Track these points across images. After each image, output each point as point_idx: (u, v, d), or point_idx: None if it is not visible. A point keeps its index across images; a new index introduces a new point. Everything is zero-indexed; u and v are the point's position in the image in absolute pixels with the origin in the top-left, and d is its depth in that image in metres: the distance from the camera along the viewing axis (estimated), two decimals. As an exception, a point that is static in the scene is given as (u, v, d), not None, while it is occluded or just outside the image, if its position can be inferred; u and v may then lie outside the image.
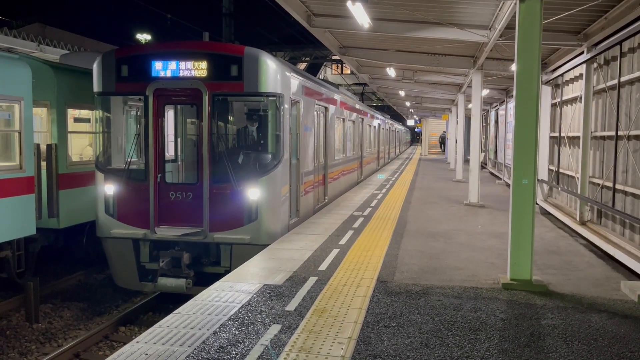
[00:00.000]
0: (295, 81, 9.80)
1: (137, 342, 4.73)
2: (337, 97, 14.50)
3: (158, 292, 9.30)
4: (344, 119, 15.78)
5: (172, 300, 8.59)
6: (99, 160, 9.21)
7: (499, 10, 9.35)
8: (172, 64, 8.66)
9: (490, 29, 10.51)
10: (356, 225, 10.55)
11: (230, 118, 10.53)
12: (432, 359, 4.49)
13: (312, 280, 6.66)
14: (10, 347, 7.94)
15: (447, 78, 18.86)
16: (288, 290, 6.25)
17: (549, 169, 13.79)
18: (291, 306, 5.69)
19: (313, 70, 37.86)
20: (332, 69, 44.31)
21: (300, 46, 32.66)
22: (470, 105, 17.23)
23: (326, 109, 13.01)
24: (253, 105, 10.51)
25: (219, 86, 8.62)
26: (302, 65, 35.52)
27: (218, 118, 8.95)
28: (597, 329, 5.27)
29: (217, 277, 7.08)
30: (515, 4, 6.72)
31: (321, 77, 36.80)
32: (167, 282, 8.50)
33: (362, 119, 20.10)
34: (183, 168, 10.51)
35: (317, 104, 11.85)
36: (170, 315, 5.38)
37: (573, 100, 11.91)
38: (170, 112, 10.17)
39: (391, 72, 17.13)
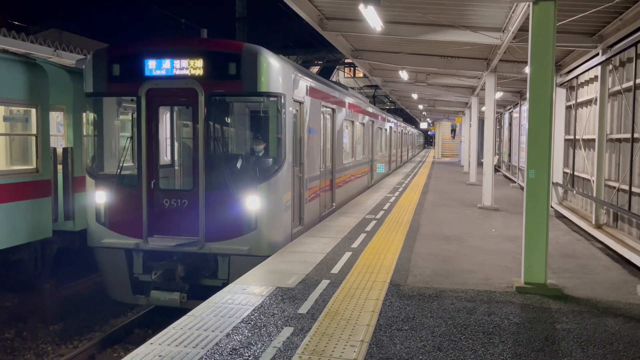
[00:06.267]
0: (298, 81, 9.27)
1: (151, 343, 4.77)
2: (345, 98, 13.99)
3: (152, 306, 8.84)
4: (353, 122, 15.26)
5: (168, 314, 7.98)
6: (90, 165, 8.74)
7: (512, 12, 9.30)
8: (166, 63, 8.15)
9: (503, 31, 10.46)
10: (369, 228, 10.54)
11: (228, 120, 9.90)
12: (445, 363, 4.48)
13: (324, 283, 6.67)
14: (26, 349, 8.05)
15: (460, 81, 18.77)
16: (301, 293, 6.26)
17: (564, 172, 13.67)
18: (304, 309, 5.70)
19: (326, 73, 37.84)
20: (344, 72, 44.34)
21: (313, 50, 32.70)
22: (483, 108, 17.13)
23: (333, 110, 12.50)
24: (252, 106, 9.89)
25: (216, 86, 8.06)
26: (315, 69, 35.58)
27: (215, 120, 8.40)
28: (613, 333, 5.21)
29: (215, 289, 6.73)
30: (528, 5, 6.69)
31: (334, 80, 36.78)
32: (160, 296, 7.98)
33: (373, 122, 19.54)
34: (181, 173, 9.89)
35: (323, 106, 11.30)
36: (184, 317, 5.43)
37: (588, 102, 11.80)
38: (168, 113, 9.81)
39: (404, 75, 17.09)
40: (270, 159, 8.49)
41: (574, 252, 8.91)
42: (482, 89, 16.96)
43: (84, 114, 8.85)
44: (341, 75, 45.69)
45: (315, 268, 7.37)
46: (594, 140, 10.66)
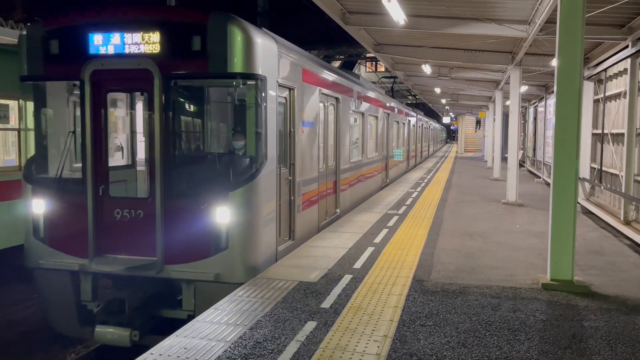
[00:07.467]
0: (287, 61, 7.63)
1: (177, 335, 4.83)
2: (353, 87, 12.31)
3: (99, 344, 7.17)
4: (363, 114, 13.54)
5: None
6: (26, 166, 7.20)
7: (539, 4, 9.13)
8: (116, 37, 6.54)
9: (529, 23, 10.27)
10: (391, 223, 10.50)
11: (192, 109, 8.27)
12: (469, 359, 4.44)
13: (347, 278, 6.66)
14: (48, 344, 8.18)
15: (484, 75, 18.53)
16: (323, 287, 6.27)
17: (591, 167, 13.42)
18: (326, 303, 5.70)
19: (347, 68, 37.77)
20: (366, 66, 44.17)
21: (334, 45, 32.62)
22: (508, 102, 16.88)
23: (337, 100, 10.76)
24: (223, 91, 8.09)
25: (176, 66, 6.49)
26: (337, 64, 35.50)
27: (175, 109, 6.76)
28: (643, 332, 5.10)
29: (181, 322, 5.65)
30: (556, -3, 6.55)
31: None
32: (107, 333, 6.35)
33: (388, 115, 17.84)
34: (147, 176, 7.57)
35: (323, 94, 9.59)
36: (209, 310, 5.48)
37: (617, 95, 11.56)
38: (128, 100, 8.38)
39: (427, 69, 16.94)
40: (247, 159, 6.85)
41: (601, 248, 8.74)
42: (507, 82, 16.72)
43: (18, 103, 7.47)
44: (362, 70, 45.54)
45: (338, 263, 7.37)
46: (622, 134, 10.44)
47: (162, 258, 6.53)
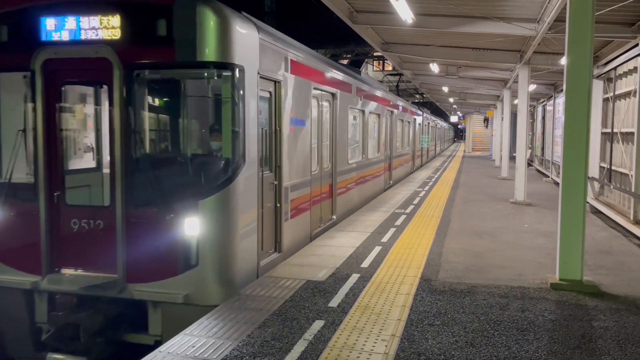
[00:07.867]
0: (271, 50, 6.80)
1: (185, 334, 4.85)
2: (352, 82, 11.40)
3: None
4: (364, 112, 12.68)
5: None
6: None
7: (548, 3, 9.08)
8: (70, 21, 5.80)
9: (538, 22, 10.22)
10: (398, 222, 10.48)
11: (158, 104, 7.29)
12: (478, 359, 4.42)
13: (354, 277, 6.66)
14: None
15: (492, 73, 18.46)
16: (331, 286, 6.27)
17: (600, 166, 13.33)
18: (334, 302, 5.71)
19: (355, 66, 37.71)
20: (373, 65, 44.09)
21: (342, 43, 32.59)
22: (516, 101, 16.81)
23: (333, 96, 9.92)
24: (194, 84, 6.81)
25: (139, 54, 5.73)
26: (344, 62, 35.47)
27: (138, 104, 5.96)
28: (653, 333, 5.06)
29: (148, 348, 5.11)
30: (565, -5, 6.52)
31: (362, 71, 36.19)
32: None
33: (392, 112, 16.96)
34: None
35: (316, 89, 8.78)
36: (216, 309, 5.50)
37: (627, 94, 11.47)
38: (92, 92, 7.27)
39: (434, 67, 16.90)
40: (222, 162, 5.97)
41: (611, 248, 8.69)
42: (515, 81, 16.65)
43: None
44: (370, 69, 45.46)
45: (345, 262, 7.37)
46: (632, 133, 10.37)
47: (124, 276, 5.80)
